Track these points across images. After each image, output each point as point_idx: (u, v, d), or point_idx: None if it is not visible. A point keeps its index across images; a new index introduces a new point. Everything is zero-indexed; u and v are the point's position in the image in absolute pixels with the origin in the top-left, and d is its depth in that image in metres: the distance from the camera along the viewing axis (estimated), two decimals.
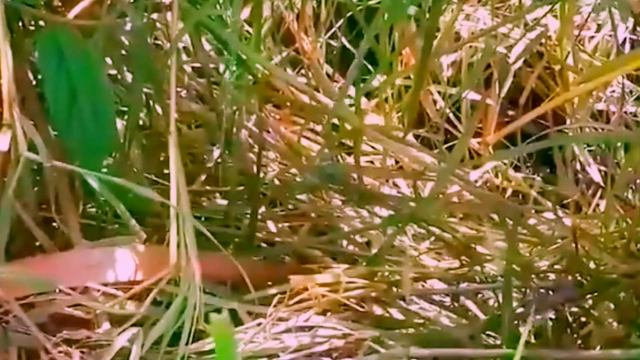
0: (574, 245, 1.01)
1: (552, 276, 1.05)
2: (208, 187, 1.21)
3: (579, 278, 1.01)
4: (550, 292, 1.00)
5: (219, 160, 1.19)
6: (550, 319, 1.05)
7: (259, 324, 0.87)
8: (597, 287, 1.00)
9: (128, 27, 0.97)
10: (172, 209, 0.80)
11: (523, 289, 1.02)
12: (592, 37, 1.40)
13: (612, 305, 1.02)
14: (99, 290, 0.85)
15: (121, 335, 0.81)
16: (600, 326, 1.01)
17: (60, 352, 0.82)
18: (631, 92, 1.37)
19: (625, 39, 1.35)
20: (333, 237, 1.16)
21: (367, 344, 0.87)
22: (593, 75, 0.82)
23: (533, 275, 1.03)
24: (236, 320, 0.90)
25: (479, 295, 1.11)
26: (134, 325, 0.82)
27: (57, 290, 0.84)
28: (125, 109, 1.07)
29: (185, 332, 0.78)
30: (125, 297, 0.81)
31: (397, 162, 1.30)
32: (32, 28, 0.96)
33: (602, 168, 1.34)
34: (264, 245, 1.13)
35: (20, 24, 0.94)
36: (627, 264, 1.01)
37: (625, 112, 1.36)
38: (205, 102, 1.23)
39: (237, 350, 0.42)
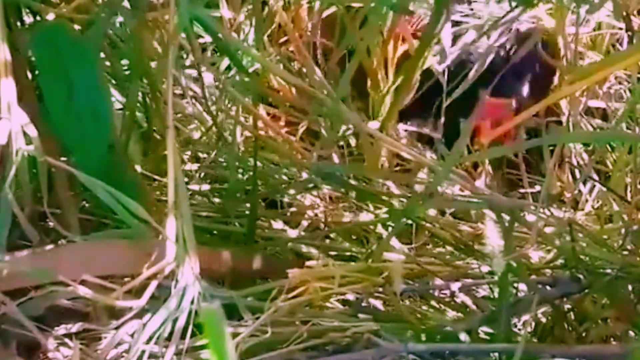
0: (570, 240, 1.01)
1: (549, 272, 1.06)
2: (205, 185, 1.21)
3: (576, 274, 1.01)
4: (548, 288, 1.01)
5: (215, 156, 1.19)
6: (548, 314, 1.05)
7: (257, 318, 0.87)
8: (595, 283, 1.00)
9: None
10: (169, 201, 0.80)
11: (520, 285, 1.02)
12: (590, 34, 1.40)
13: (609, 301, 1.02)
14: (96, 284, 0.84)
15: (121, 328, 0.81)
16: (597, 323, 1.01)
17: (59, 344, 0.82)
18: (631, 91, 1.37)
19: (622, 36, 1.36)
20: (329, 234, 1.17)
21: (365, 338, 0.87)
22: (588, 72, 0.82)
23: (530, 271, 1.04)
24: (235, 314, 0.90)
25: (476, 292, 1.11)
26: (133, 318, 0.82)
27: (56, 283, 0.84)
28: (121, 105, 1.07)
29: (180, 323, 0.78)
30: (123, 291, 0.81)
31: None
32: (29, 22, 0.96)
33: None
34: (262, 241, 1.13)
35: (17, 17, 0.94)
36: (624, 260, 1.02)
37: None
38: (200, 100, 1.24)
39: (229, 339, 0.42)
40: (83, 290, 0.80)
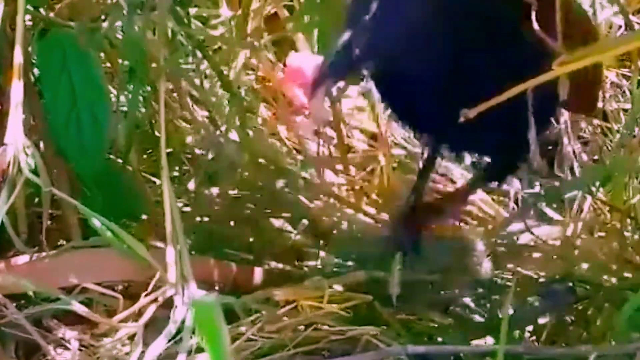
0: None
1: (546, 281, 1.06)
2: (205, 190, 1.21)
3: (572, 284, 1.01)
4: (546, 298, 1.01)
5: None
6: (547, 322, 1.05)
7: (254, 320, 0.87)
8: (593, 293, 1.00)
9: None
10: (167, 234, 0.80)
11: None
12: None
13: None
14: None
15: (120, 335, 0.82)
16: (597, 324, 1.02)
17: (58, 348, 0.82)
18: (630, 91, 1.36)
19: (620, 25, 1.35)
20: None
21: (364, 340, 0.86)
22: (582, 55, 0.81)
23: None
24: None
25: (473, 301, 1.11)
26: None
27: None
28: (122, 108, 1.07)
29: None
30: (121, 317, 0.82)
31: None
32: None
33: None
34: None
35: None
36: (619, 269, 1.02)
37: (625, 110, 1.35)
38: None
39: (225, 332, 0.42)
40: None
